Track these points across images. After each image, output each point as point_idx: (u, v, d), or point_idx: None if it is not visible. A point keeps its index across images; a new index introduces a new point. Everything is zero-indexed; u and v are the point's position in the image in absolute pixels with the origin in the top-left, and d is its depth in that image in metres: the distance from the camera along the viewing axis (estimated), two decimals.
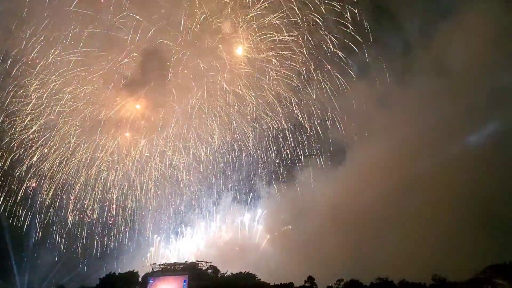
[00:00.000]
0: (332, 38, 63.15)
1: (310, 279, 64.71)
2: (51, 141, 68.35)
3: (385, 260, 65.77)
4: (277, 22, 62.58)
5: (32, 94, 63.60)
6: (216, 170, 78.42)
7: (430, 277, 58.99)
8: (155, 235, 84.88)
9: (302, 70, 67.38)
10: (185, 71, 67.04)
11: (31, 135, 67.01)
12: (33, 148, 67.81)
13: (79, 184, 72.95)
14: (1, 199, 70.26)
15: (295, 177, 78.13)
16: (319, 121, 70.88)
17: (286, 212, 79.82)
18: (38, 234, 74.83)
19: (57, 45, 60.06)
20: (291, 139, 73.52)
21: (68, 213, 74.95)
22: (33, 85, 62.94)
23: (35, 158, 68.25)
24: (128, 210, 77.80)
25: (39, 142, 67.62)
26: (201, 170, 77.79)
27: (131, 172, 74.72)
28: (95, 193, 74.32)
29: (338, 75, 65.79)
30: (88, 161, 71.56)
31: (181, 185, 79.21)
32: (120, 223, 79.10)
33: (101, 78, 65.13)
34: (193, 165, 76.56)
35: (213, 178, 79.69)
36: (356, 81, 67.30)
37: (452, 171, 68.11)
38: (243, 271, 67.74)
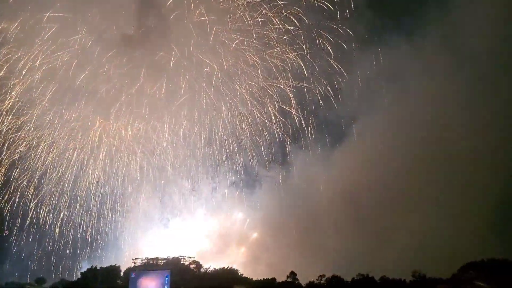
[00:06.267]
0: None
1: (292, 274, 65.14)
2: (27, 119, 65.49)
3: (366, 256, 66.72)
4: None
5: None
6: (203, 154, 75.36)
7: (410, 273, 60.17)
8: (137, 229, 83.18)
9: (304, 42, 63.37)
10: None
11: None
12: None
13: (54, 168, 69.37)
14: None
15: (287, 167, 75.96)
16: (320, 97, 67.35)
17: (268, 209, 79.21)
18: (17, 224, 72.16)
19: None
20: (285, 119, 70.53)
21: (44, 203, 71.82)
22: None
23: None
24: (110, 201, 74.99)
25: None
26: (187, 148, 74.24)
27: (114, 153, 71.52)
28: (71, 179, 71.05)
29: (344, 45, 62.28)
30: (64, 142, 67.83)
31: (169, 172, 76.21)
32: (103, 214, 76.61)
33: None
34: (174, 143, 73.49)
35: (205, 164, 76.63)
36: (362, 54, 64.47)
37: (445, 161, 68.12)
38: (226, 267, 67.91)
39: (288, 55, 65.01)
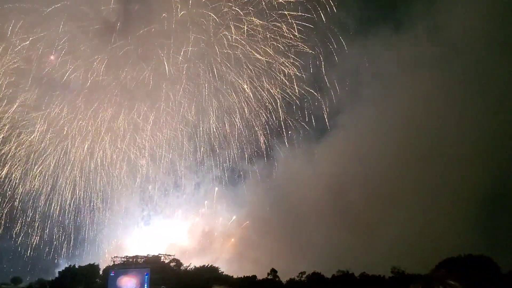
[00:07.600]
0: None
1: (273, 271, 64.74)
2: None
3: (349, 252, 66.58)
4: None
5: None
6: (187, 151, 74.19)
7: (389, 269, 60.19)
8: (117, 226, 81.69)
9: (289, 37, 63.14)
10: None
11: None
12: None
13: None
14: None
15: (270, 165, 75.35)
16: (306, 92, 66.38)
17: (253, 205, 78.69)
18: None
19: None
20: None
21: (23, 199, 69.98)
22: None
23: None
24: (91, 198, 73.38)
25: None
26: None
27: (94, 149, 69.80)
28: (49, 178, 69.18)
29: (330, 43, 62.28)
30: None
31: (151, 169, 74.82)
32: (82, 212, 75.05)
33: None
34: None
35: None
36: (348, 47, 63.23)
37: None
38: (206, 265, 67.23)
39: (273, 50, 64.47)
